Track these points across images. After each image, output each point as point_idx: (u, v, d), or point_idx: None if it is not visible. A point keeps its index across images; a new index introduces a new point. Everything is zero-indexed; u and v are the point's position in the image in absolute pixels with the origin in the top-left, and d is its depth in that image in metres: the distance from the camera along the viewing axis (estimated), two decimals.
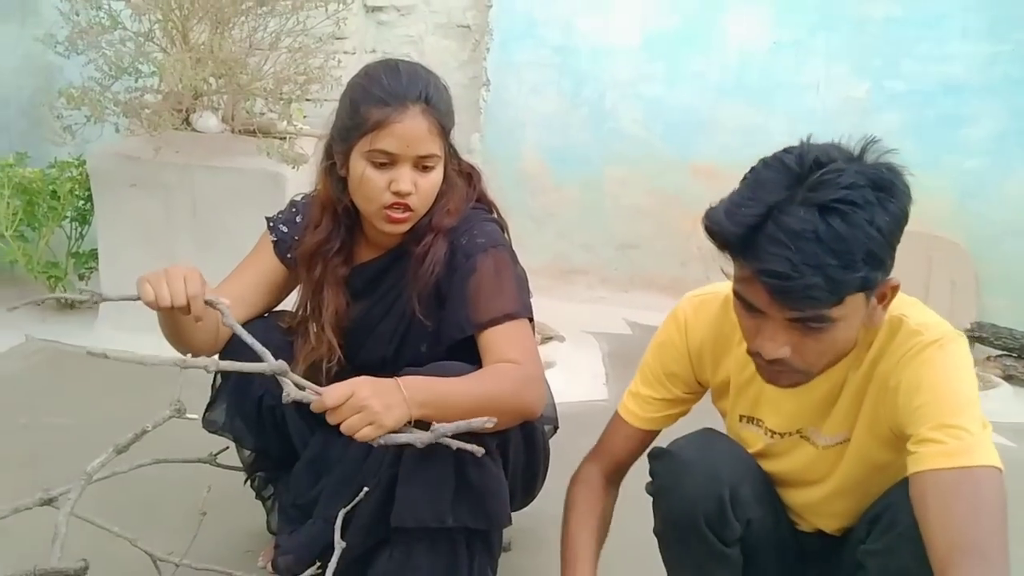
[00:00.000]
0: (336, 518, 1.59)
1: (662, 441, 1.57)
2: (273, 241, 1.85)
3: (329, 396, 1.44)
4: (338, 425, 1.78)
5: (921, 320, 1.32)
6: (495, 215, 1.86)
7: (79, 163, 3.46)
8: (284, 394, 1.41)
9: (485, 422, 1.40)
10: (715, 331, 1.49)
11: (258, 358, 1.46)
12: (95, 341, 3.36)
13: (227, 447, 1.92)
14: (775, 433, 1.49)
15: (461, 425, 1.41)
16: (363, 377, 1.50)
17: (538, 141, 4.18)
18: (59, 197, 3.42)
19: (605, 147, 4.09)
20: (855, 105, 3.75)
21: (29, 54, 3.69)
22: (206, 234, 3.26)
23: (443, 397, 1.53)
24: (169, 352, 1.67)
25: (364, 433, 1.45)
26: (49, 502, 1.57)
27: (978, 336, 3.57)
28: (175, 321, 1.65)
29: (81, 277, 3.65)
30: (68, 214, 3.52)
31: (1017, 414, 3.21)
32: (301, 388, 1.46)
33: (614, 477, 1.64)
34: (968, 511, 1.15)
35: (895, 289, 1.28)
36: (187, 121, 3.27)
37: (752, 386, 1.48)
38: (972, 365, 1.30)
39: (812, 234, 1.14)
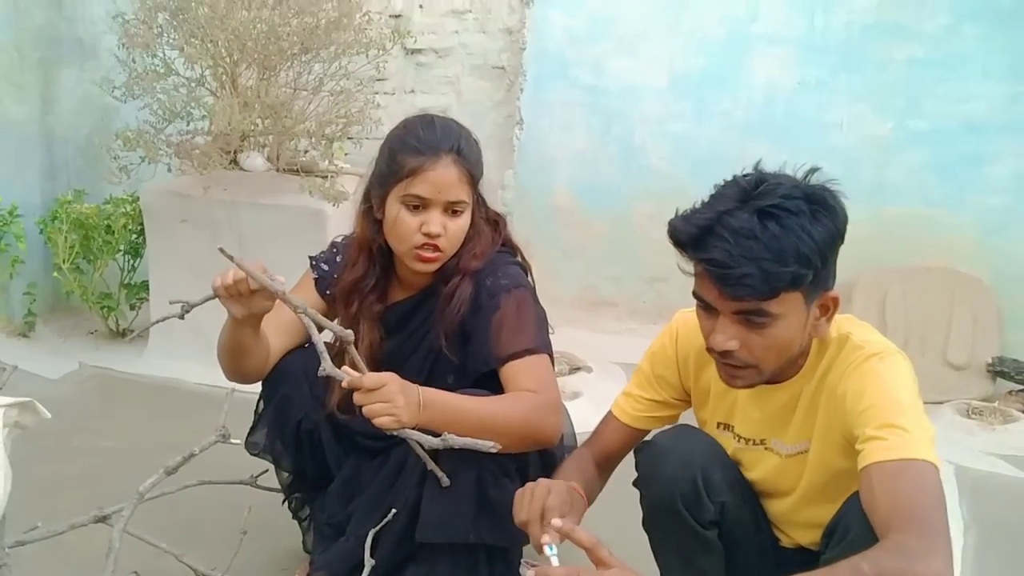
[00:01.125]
0: (367, 536, 1.73)
1: None
2: (315, 279, 2.00)
3: (367, 379, 1.57)
4: (369, 449, 1.94)
5: (865, 337, 1.47)
6: (519, 258, 1.98)
7: (133, 199, 3.64)
8: (320, 368, 1.51)
9: (491, 446, 1.50)
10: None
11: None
12: (145, 368, 3.54)
13: (267, 470, 2.04)
14: (742, 438, 1.63)
15: (468, 441, 1.51)
16: (394, 375, 1.62)
17: (569, 177, 4.31)
18: (113, 232, 3.59)
19: (634, 183, 4.20)
20: (878, 143, 3.82)
21: (87, 96, 3.90)
22: None
23: (451, 410, 1.65)
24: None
25: (382, 421, 1.57)
26: (103, 519, 1.69)
27: (999, 371, 3.60)
28: (235, 341, 1.79)
29: (132, 307, 3.82)
30: (121, 248, 3.69)
31: None
32: (354, 366, 1.60)
33: (602, 463, 1.75)
34: (911, 489, 1.26)
35: (836, 301, 1.44)
36: (235, 161, 3.44)
37: (729, 394, 1.62)
38: (913, 379, 1.43)
39: (750, 232, 1.33)
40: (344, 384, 1.58)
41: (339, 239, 2.08)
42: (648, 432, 1.75)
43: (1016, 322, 3.71)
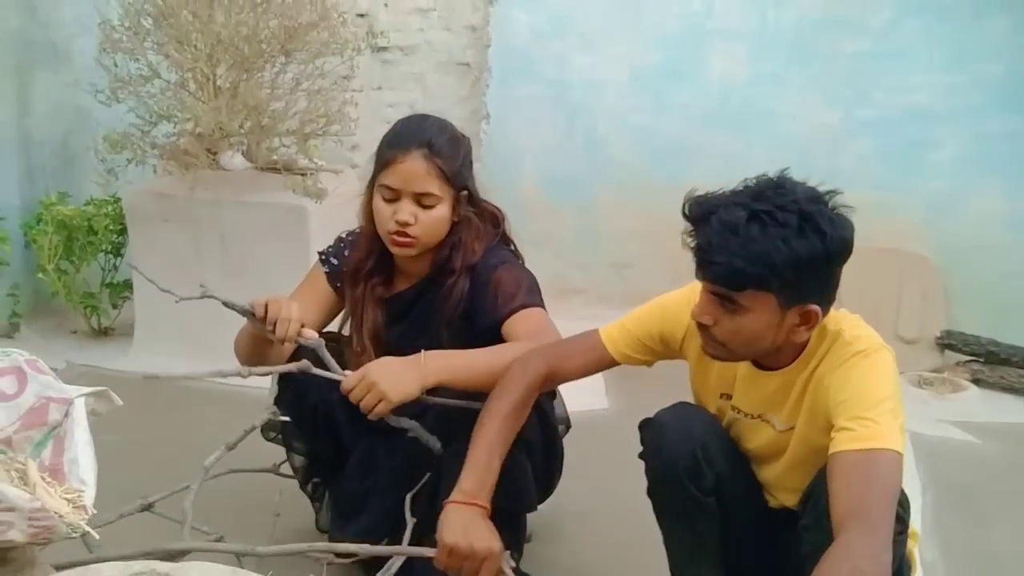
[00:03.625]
0: (390, 509, 1.87)
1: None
2: (326, 272, 2.12)
3: (346, 380, 1.74)
4: (382, 430, 2.07)
5: (855, 333, 1.62)
6: (514, 249, 2.14)
7: (114, 200, 3.70)
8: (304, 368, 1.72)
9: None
10: None
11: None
12: (130, 365, 3.58)
13: (284, 460, 2.21)
14: (740, 410, 1.78)
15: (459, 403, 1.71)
16: (381, 359, 1.79)
17: (536, 169, 4.44)
18: (96, 232, 3.64)
19: (598, 173, 4.34)
20: (829, 132, 3.99)
21: (61, 99, 3.94)
22: (234, 265, 3.49)
23: (459, 365, 1.81)
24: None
25: (377, 410, 1.74)
26: (148, 507, 1.83)
27: (947, 343, 3.81)
28: (260, 344, 1.92)
29: (115, 306, 3.86)
30: (103, 248, 3.75)
31: (984, 414, 3.47)
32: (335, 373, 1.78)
33: (550, 381, 1.84)
34: (861, 484, 1.42)
35: (815, 315, 1.56)
36: (215, 160, 3.52)
37: (730, 368, 1.76)
38: (893, 372, 1.58)
39: (734, 228, 1.48)
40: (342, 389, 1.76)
41: (344, 234, 2.20)
42: (616, 365, 1.86)
43: (961, 297, 3.91)
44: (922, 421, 3.34)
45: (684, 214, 1.58)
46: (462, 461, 1.84)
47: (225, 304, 1.81)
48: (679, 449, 1.72)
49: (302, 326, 1.83)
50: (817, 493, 1.56)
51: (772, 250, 1.47)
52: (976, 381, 3.70)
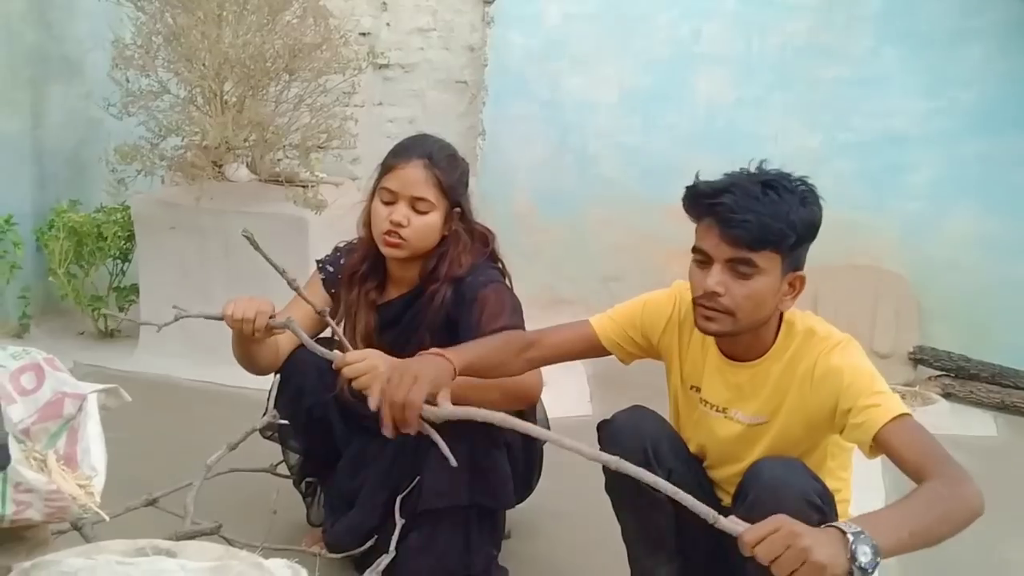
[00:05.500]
0: (378, 505, 2.02)
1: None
2: (322, 279, 2.27)
3: (351, 355, 1.84)
4: (372, 430, 2.20)
5: (826, 328, 1.80)
6: (500, 266, 2.28)
7: (123, 208, 3.86)
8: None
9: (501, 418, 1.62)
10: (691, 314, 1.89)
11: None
12: (136, 366, 3.75)
13: (282, 461, 2.35)
14: (707, 403, 1.92)
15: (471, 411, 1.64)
16: (380, 353, 1.88)
17: (529, 185, 4.60)
18: (105, 238, 3.81)
19: (588, 190, 4.51)
20: (809, 154, 4.10)
21: (73, 111, 4.11)
22: (237, 272, 3.62)
23: (474, 361, 1.82)
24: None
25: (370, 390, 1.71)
26: (153, 502, 1.96)
27: (920, 358, 3.96)
28: (245, 343, 2.06)
29: (121, 309, 4.01)
30: (112, 253, 3.91)
31: (953, 428, 3.54)
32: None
33: (531, 345, 1.94)
34: (919, 442, 1.57)
35: (803, 281, 1.75)
36: (220, 172, 3.68)
37: (700, 361, 1.92)
38: (864, 353, 1.76)
39: (755, 194, 1.66)
40: (334, 366, 1.84)
41: (341, 244, 2.36)
42: (603, 352, 2.01)
43: (933, 314, 4.06)
44: None
45: (693, 194, 1.73)
46: (443, 461, 1.98)
47: (203, 317, 1.95)
48: (631, 446, 1.85)
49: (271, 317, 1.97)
50: (747, 487, 1.70)
51: (789, 210, 1.65)
52: (947, 395, 3.84)
